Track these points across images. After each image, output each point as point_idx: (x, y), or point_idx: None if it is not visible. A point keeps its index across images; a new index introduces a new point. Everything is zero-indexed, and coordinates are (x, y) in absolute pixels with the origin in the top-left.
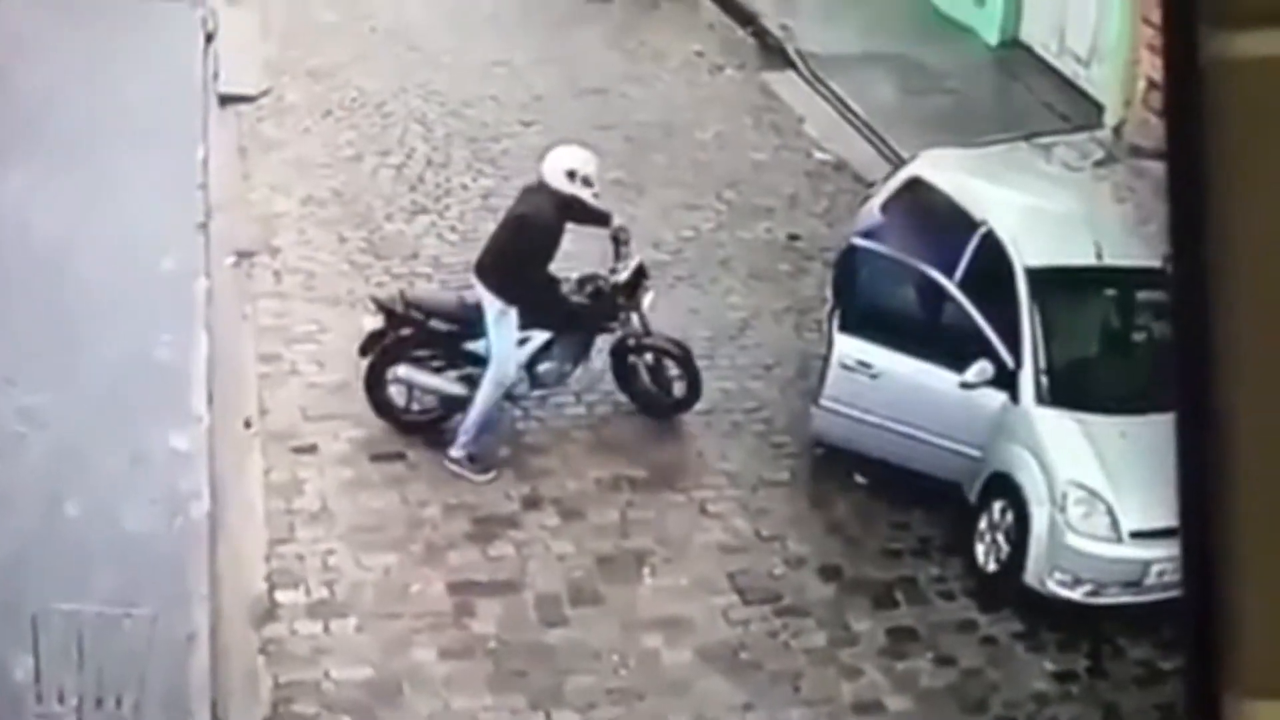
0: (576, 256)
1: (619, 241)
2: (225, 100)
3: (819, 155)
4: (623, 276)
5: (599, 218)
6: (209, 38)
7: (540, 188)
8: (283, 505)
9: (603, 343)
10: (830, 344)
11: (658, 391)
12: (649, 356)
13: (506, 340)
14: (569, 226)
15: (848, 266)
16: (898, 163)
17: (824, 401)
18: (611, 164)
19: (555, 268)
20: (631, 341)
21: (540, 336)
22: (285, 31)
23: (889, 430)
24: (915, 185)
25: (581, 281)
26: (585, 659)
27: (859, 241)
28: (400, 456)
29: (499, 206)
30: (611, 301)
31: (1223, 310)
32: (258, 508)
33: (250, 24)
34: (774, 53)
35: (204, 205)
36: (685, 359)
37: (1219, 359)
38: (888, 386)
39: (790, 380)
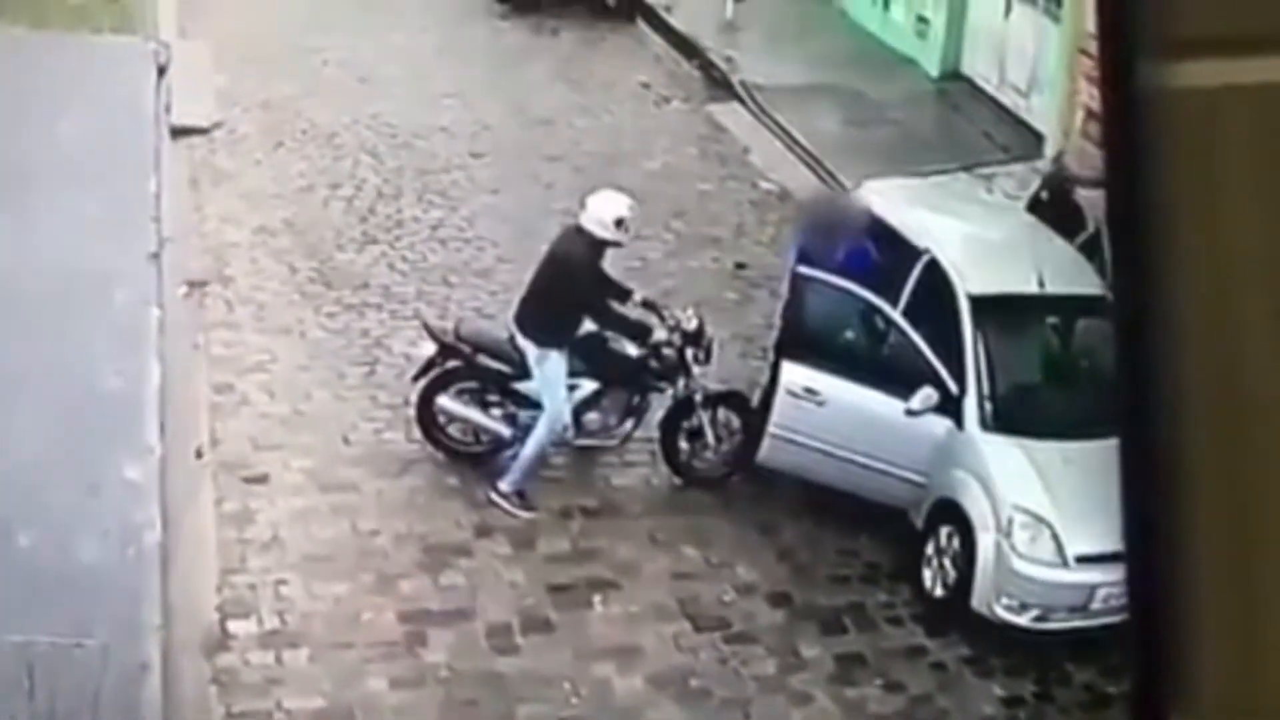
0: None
1: (652, 307)
2: (177, 132)
3: (764, 185)
4: (678, 332)
5: (622, 293)
6: (161, 71)
7: (577, 234)
8: (234, 535)
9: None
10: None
11: (715, 445)
12: (708, 412)
13: (558, 385)
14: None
15: (793, 294)
16: (841, 192)
17: (772, 429)
18: (560, 194)
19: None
20: (698, 398)
21: (588, 386)
22: (237, 64)
23: (836, 457)
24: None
25: (634, 334)
26: (537, 687)
27: (804, 270)
28: (351, 486)
29: (449, 237)
30: (671, 359)
31: (1164, 337)
32: (209, 537)
33: (202, 57)
34: (719, 84)
35: (156, 236)
36: (743, 404)
37: (1161, 384)
38: (834, 413)
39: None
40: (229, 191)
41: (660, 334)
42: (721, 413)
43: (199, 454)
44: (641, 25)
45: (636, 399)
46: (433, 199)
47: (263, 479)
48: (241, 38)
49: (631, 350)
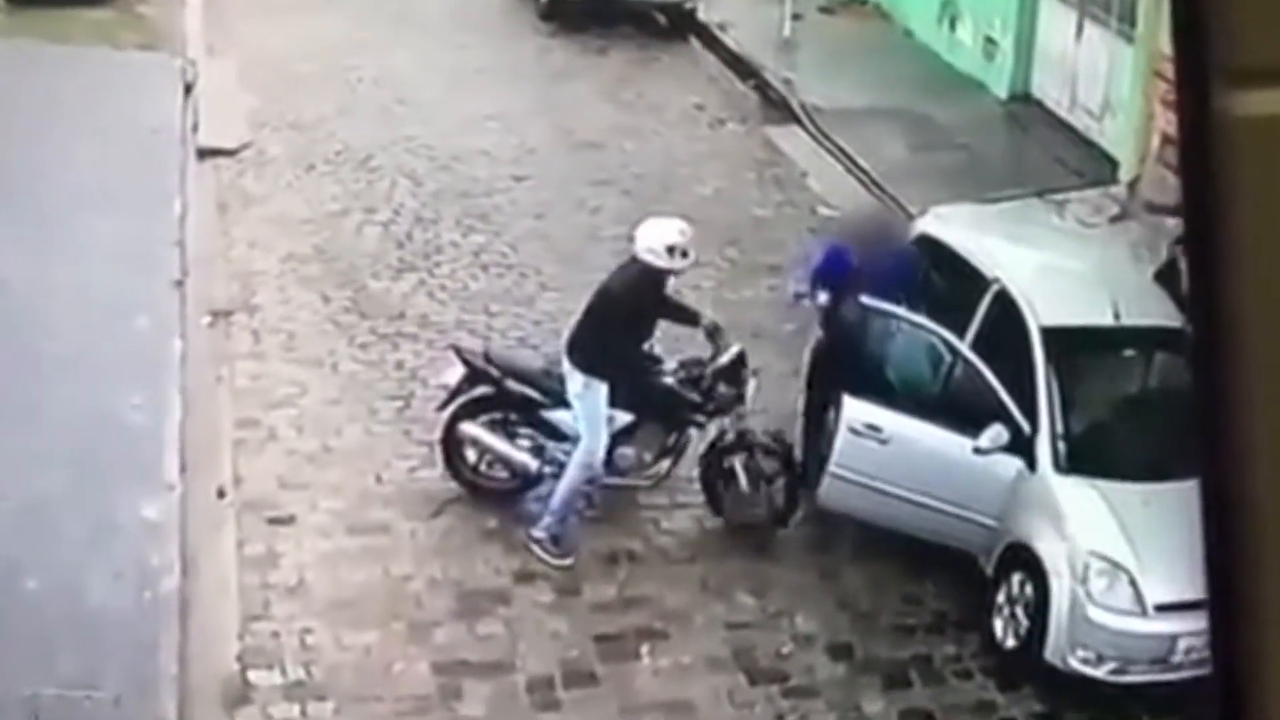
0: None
1: (714, 336)
2: (204, 154)
3: (824, 211)
4: (722, 361)
5: (689, 317)
6: (188, 89)
7: (633, 263)
8: (257, 579)
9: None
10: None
11: (752, 494)
12: (745, 456)
13: (597, 418)
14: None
15: (857, 326)
16: (906, 219)
17: (832, 468)
18: (608, 220)
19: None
20: (729, 438)
21: (623, 418)
22: (267, 83)
23: (900, 498)
24: (924, 242)
25: (676, 366)
26: None
27: (867, 300)
28: (382, 528)
29: (490, 264)
30: (709, 390)
31: (1244, 371)
32: (231, 582)
33: (231, 75)
34: (777, 106)
35: (180, 263)
36: (786, 458)
37: (1244, 421)
38: (898, 452)
39: (795, 444)
40: (257, 216)
41: (695, 368)
42: (761, 458)
43: (221, 493)
44: (695, 44)
45: (674, 436)
46: (473, 224)
47: (289, 520)
48: (272, 55)
49: (670, 380)
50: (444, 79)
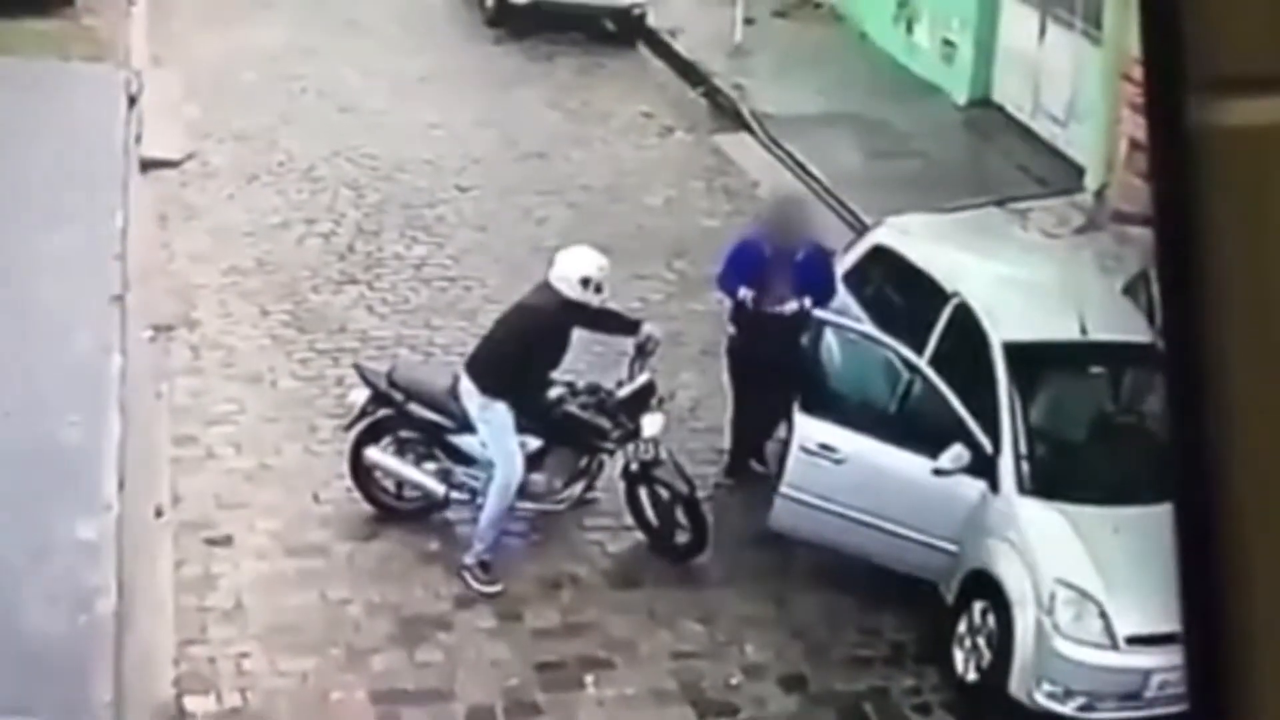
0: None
1: (643, 352)
2: (147, 165)
3: None
4: (624, 392)
5: (628, 326)
6: (132, 100)
7: (545, 288)
8: (194, 602)
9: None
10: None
11: (660, 528)
12: (654, 489)
13: (507, 437)
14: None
15: (809, 341)
16: (861, 230)
17: (784, 489)
18: (553, 232)
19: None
20: (635, 468)
21: (532, 443)
22: (211, 93)
23: (856, 521)
24: (880, 254)
25: (579, 391)
26: None
27: (820, 314)
28: (320, 550)
29: (432, 276)
30: (612, 418)
31: (1222, 390)
32: (167, 605)
33: (175, 86)
34: (727, 114)
35: (121, 276)
36: (690, 500)
37: (1219, 441)
38: (854, 473)
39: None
40: (199, 228)
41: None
42: (660, 490)
43: (158, 512)
44: (643, 51)
45: (585, 460)
46: (416, 235)
47: (226, 540)
48: (217, 65)
49: (575, 406)
50: (388, 87)
